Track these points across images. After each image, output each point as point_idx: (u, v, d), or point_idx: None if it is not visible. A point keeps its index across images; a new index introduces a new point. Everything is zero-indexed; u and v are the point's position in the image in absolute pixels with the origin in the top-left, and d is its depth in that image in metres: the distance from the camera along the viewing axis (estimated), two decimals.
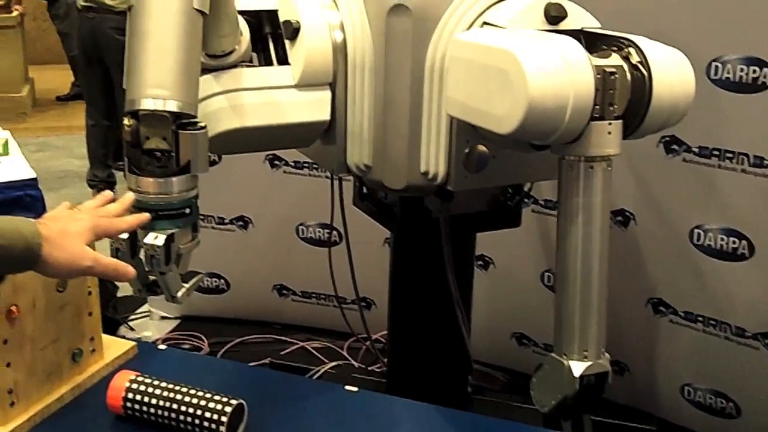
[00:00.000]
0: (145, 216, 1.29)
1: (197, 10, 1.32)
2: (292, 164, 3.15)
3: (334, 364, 3.00)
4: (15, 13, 7.57)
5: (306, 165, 3.11)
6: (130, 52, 1.30)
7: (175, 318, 3.47)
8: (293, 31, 1.75)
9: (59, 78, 8.50)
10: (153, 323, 3.47)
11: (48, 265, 1.18)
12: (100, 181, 5.22)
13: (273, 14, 1.82)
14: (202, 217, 3.24)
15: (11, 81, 7.53)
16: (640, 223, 2.61)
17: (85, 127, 5.26)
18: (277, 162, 3.17)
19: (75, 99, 7.46)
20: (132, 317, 3.48)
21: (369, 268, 2.44)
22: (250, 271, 3.34)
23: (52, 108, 8.10)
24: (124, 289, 3.35)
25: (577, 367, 1.55)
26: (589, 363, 1.56)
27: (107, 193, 1.36)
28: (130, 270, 1.25)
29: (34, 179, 3.08)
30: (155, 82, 1.27)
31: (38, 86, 8.37)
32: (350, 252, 2.34)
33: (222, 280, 3.39)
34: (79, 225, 1.23)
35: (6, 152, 3.28)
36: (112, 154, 5.24)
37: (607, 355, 1.59)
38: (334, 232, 2.65)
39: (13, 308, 1.46)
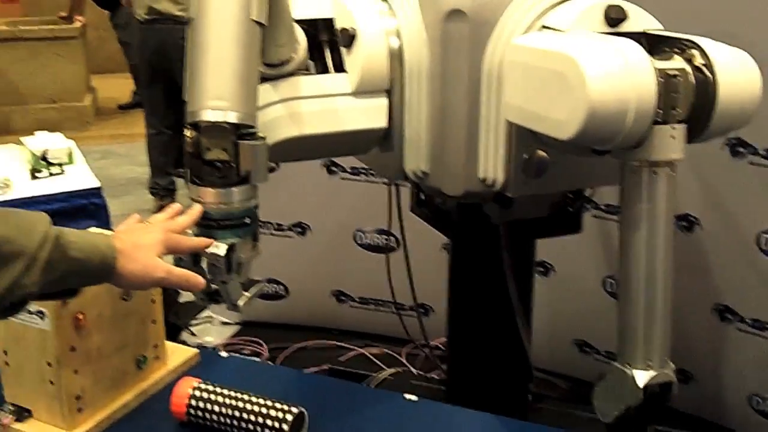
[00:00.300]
0: (210, 240, 1.32)
1: (255, 21, 1.33)
2: (349, 170, 3.16)
3: (392, 370, 3.00)
4: (77, 24, 7.75)
5: (363, 171, 3.12)
6: (190, 64, 1.31)
7: (236, 323, 3.50)
8: (349, 38, 1.75)
9: (120, 87, 8.66)
10: (214, 329, 3.51)
11: (123, 278, 1.21)
12: (162, 189, 5.31)
13: (329, 22, 1.82)
14: (260, 223, 3.28)
15: (74, 90, 7.71)
16: (705, 227, 2.56)
17: (146, 135, 5.35)
18: (334, 168, 3.18)
19: (136, 107, 7.59)
20: (193, 322, 3.52)
21: (427, 274, 2.43)
22: (309, 277, 3.36)
23: (114, 116, 8.26)
24: (186, 295, 3.40)
25: (641, 377, 1.52)
26: (654, 373, 1.52)
27: (176, 206, 1.38)
28: (201, 280, 1.28)
29: (99, 188, 3.15)
30: (215, 93, 1.28)
31: (100, 95, 8.55)
32: (408, 258, 2.34)
33: (281, 286, 3.41)
34: (151, 237, 1.26)
35: (71, 161, 3.36)
36: (172, 162, 5.32)
37: (671, 364, 1.56)
38: (392, 238, 2.65)
39: (80, 317, 1.49)
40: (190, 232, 1.34)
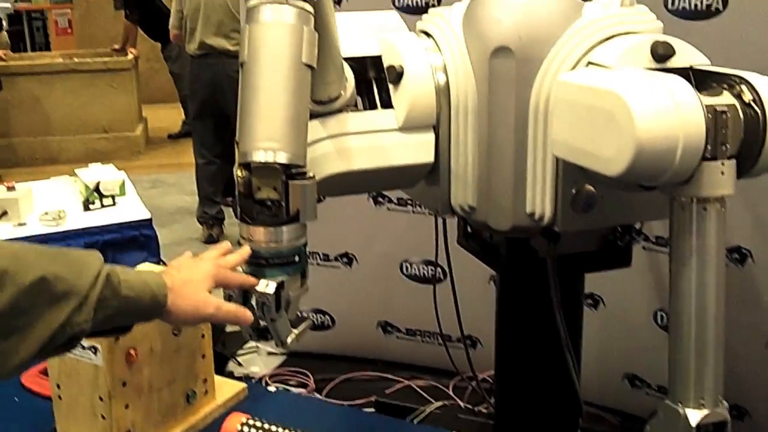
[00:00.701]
0: (255, 280, 1.34)
1: (306, 64, 1.35)
2: (396, 201, 3.17)
3: (439, 404, 2.98)
4: (130, 56, 7.92)
5: (409, 202, 3.12)
6: (242, 106, 1.34)
7: (282, 354, 3.52)
8: (397, 75, 1.77)
9: (170, 116, 8.82)
10: (260, 359, 3.53)
11: (173, 315, 1.24)
12: (210, 218, 5.38)
13: (377, 59, 1.84)
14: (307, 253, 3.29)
15: (127, 120, 7.86)
16: (757, 260, 2.52)
17: (195, 165, 5.44)
18: (380, 199, 3.20)
19: (185, 136, 7.72)
20: (240, 352, 3.55)
21: (474, 306, 2.42)
22: (355, 307, 3.36)
23: (163, 145, 8.41)
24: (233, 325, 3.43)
25: (694, 416, 1.49)
26: (706, 412, 1.50)
27: (226, 245, 1.41)
28: (249, 315, 1.31)
29: (149, 219, 3.21)
30: (266, 135, 1.30)
31: (151, 124, 8.71)
32: (455, 289, 2.33)
33: (327, 317, 3.42)
34: (200, 272, 1.28)
35: (123, 192, 3.42)
36: (221, 191, 5.40)
37: (725, 403, 1.53)
38: (439, 269, 2.64)
39: (132, 352, 1.52)
40: (239, 269, 1.36)
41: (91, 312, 1.11)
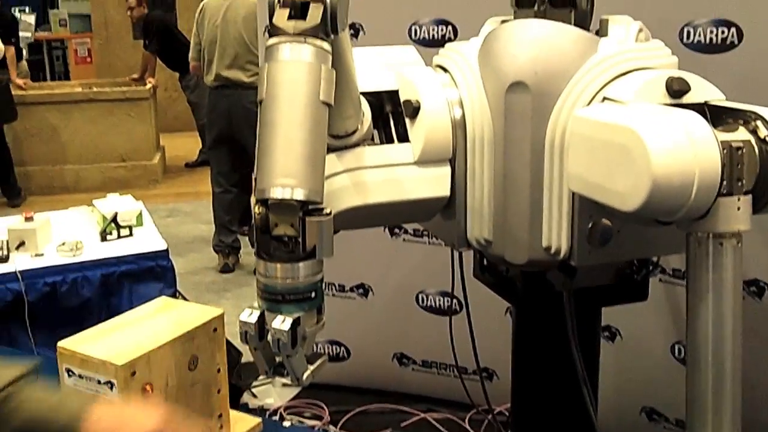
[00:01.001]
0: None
1: (323, 102, 1.37)
2: (412, 232, 3.18)
3: None
4: (148, 86, 7.99)
5: (425, 233, 3.13)
6: (260, 143, 1.35)
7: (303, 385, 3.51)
8: (414, 110, 1.78)
9: (187, 145, 8.88)
10: (275, 390, 3.52)
11: None
12: (226, 247, 5.41)
13: (394, 94, 1.86)
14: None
15: (145, 149, 7.92)
16: None
17: (211, 193, 5.47)
18: (396, 230, 3.20)
19: (202, 165, 7.76)
20: (255, 384, 3.54)
21: (490, 338, 2.42)
22: (371, 339, 3.36)
23: (181, 174, 8.45)
24: (248, 355, 3.44)
25: None
26: None
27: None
28: None
29: (166, 250, 3.22)
30: (284, 171, 1.31)
31: (168, 153, 8.76)
32: (471, 321, 2.33)
33: (342, 348, 3.42)
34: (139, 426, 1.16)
35: (140, 223, 3.44)
36: (237, 220, 5.43)
37: None
38: (455, 301, 2.64)
39: (147, 387, 1.52)
40: (256, 305, 1.36)
41: None
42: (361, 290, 3.32)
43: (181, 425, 1.23)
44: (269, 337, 1.33)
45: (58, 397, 1.14)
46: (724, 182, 1.41)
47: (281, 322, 1.32)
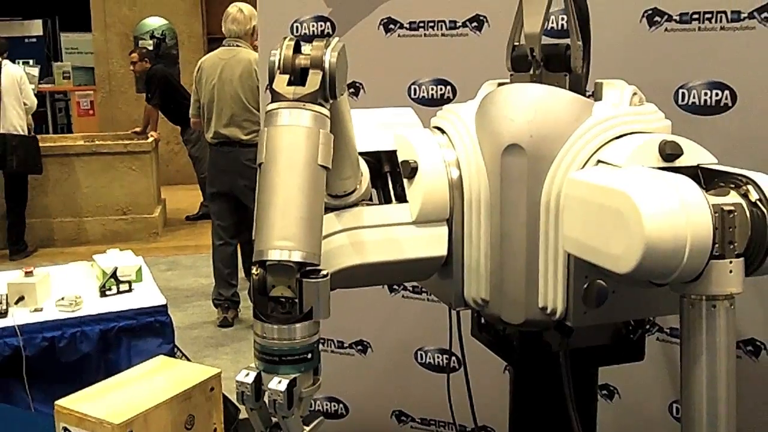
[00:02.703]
0: None
1: (321, 165, 1.39)
2: (411, 289, 3.18)
3: None
4: (150, 139, 8.06)
5: (425, 290, 3.13)
6: (259, 205, 1.37)
7: None
8: (411, 170, 1.81)
9: (188, 198, 8.93)
10: None
11: None
12: (225, 300, 5.41)
13: (392, 154, 1.89)
14: (321, 341, 3.27)
15: (146, 203, 7.96)
16: None
17: (211, 246, 5.49)
18: (396, 287, 3.21)
19: (203, 218, 7.80)
20: None
21: (489, 396, 2.42)
22: (369, 396, 3.34)
23: (181, 227, 8.48)
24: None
25: None
26: None
27: None
28: None
29: (165, 305, 3.23)
30: (281, 234, 1.33)
31: (169, 206, 8.81)
32: (468, 379, 2.33)
33: (341, 405, 3.41)
34: None
35: (139, 278, 3.46)
36: (236, 274, 5.44)
37: None
38: (453, 358, 2.64)
39: None
40: (253, 365, 1.37)
41: None
42: (359, 347, 3.32)
43: None
44: (266, 398, 1.34)
45: None
46: (716, 245, 1.44)
47: (278, 383, 1.33)
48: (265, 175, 1.38)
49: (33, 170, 7.26)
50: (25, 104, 7.18)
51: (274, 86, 1.43)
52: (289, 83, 1.43)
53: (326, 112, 1.42)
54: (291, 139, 1.38)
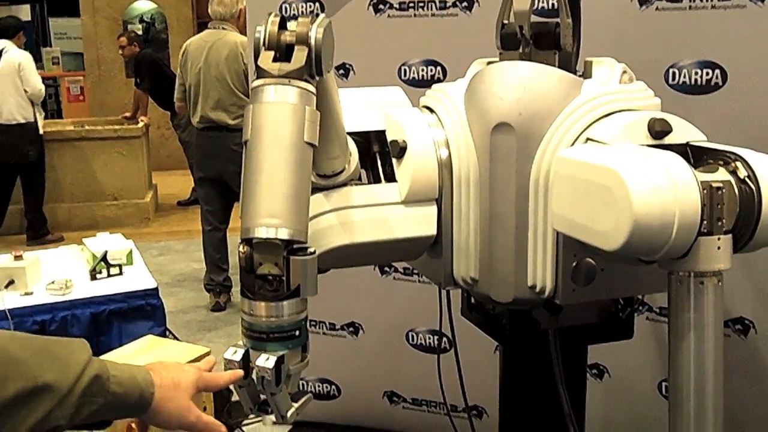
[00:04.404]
0: (240, 372, 1.36)
1: (308, 143, 1.39)
2: (401, 271, 3.19)
3: None
4: (141, 124, 8.03)
5: (415, 271, 3.14)
6: (245, 183, 1.37)
7: (287, 424, 3.49)
8: (400, 150, 1.80)
9: (180, 183, 8.90)
10: (265, 429, 3.51)
11: (157, 414, 1.23)
12: (217, 285, 5.40)
13: (381, 134, 1.88)
14: (313, 322, 3.29)
15: (137, 188, 7.92)
16: (760, 331, 2.52)
17: (202, 231, 5.47)
18: (387, 269, 3.21)
19: (194, 204, 7.77)
20: (246, 422, 3.53)
21: (480, 375, 2.42)
22: (361, 377, 3.35)
23: (173, 212, 8.46)
24: None
25: None
26: None
27: (211, 360, 1.46)
28: (224, 429, 1.33)
29: (155, 288, 3.23)
30: (268, 211, 1.33)
31: (160, 191, 8.78)
32: (459, 359, 2.33)
33: (333, 386, 3.41)
34: (187, 377, 1.29)
35: (130, 262, 3.45)
36: (227, 258, 5.43)
37: None
38: (444, 339, 2.65)
39: (134, 425, 1.52)
40: (241, 343, 1.37)
41: (72, 408, 1.10)
42: (351, 329, 3.32)
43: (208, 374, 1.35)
44: (254, 375, 1.34)
45: (128, 371, 1.21)
46: (704, 222, 1.44)
47: (265, 360, 1.32)
48: (251, 152, 1.37)
49: (16, 159, 7.10)
50: (25, 91, 7.02)
51: (259, 62, 1.42)
52: (275, 60, 1.41)
53: (312, 89, 1.41)
54: (277, 116, 1.37)
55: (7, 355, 1.07)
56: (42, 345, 1.12)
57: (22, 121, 7.02)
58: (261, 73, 1.40)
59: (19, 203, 7.36)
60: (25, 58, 7.14)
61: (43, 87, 7.31)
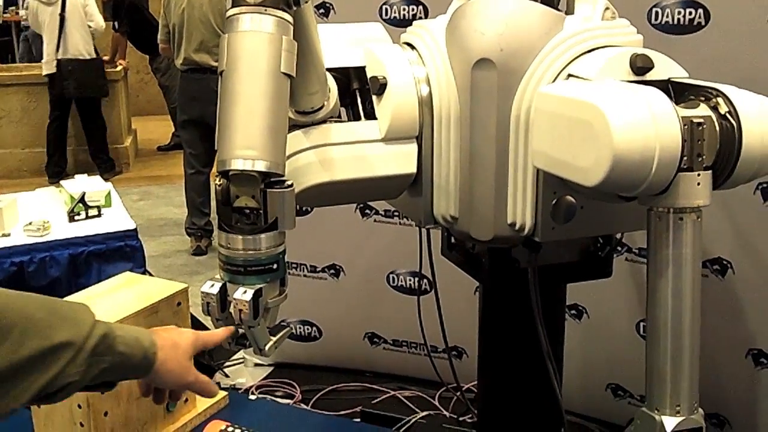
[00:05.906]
0: (231, 329, 1.37)
1: (284, 73, 1.36)
2: (383, 213, 3.18)
3: (425, 413, 2.99)
4: (119, 68, 7.91)
5: (396, 214, 3.14)
6: (221, 114, 1.34)
7: (269, 365, 3.52)
8: (380, 86, 1.78)
9: (160, 129, 8.83)
10: (247, 370, 3.53)
11: (159, 375, 1.24)
12: (198, 229, 5.39)
13: (360, 70, 1.86)
14: (294, 265, 3.29)
15: (116, 133, 7.84)
16: (738, 271, 2.53)
17: (184, 175, 5.45)
18: (367, 211, 3.21)
19: (175, 149, 7.72)
20: (227, 364, 3.55)
21: (460, 317, 2.44)
22: (342, 319, 3.37)
23: (153, 158, 8.40)
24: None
25: (670, 423, 1.51)
26: (682, 418, 1.51)
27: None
28: (217, 389, 1.36)
29: (134, 230, 3.21)
30: (244, 143, 1.31)
31: (140, 137, 8.71)
32: (438, 300, 2.34)
33: (314, 328, 3.43)
34: (186, 338, 1.31)
35: (108, 203, 3.42)
36: (209, 202, 5.41)
37: (701, 410, 1.55)
38: (425, 281, 2.65)
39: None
40: (218, 277, 1.36)
41: (83, 364, 1.10)
42: (332, 271, 3.32)
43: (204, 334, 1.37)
44: (231, 309, 1.33)
45: (132, 332, 1.22)
46: (685, 157, 1.43)
47: (243, 293, 1.32)
48: (227, 82, 1.35)
49: (94, 93, 7.24)
50: (89, 26, 7.14)
51: None
52: None
53: (289, 18, 1.38)
54: (252, 45, 1.35)
55: (26, 314, 1.07)
56: (51, 305, 1.13)
57: (88, 56, 7.14)
58: (236, 1, 1.37)
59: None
60: None
61: (104, 23, 7.41)
